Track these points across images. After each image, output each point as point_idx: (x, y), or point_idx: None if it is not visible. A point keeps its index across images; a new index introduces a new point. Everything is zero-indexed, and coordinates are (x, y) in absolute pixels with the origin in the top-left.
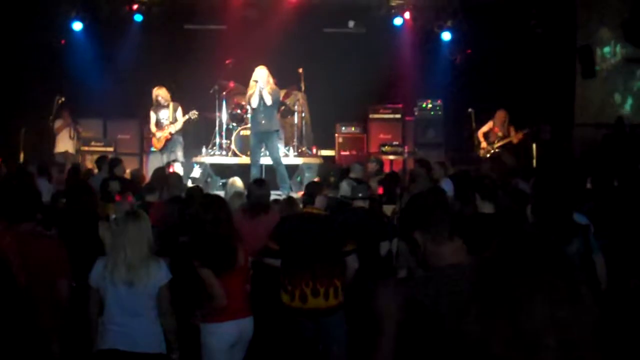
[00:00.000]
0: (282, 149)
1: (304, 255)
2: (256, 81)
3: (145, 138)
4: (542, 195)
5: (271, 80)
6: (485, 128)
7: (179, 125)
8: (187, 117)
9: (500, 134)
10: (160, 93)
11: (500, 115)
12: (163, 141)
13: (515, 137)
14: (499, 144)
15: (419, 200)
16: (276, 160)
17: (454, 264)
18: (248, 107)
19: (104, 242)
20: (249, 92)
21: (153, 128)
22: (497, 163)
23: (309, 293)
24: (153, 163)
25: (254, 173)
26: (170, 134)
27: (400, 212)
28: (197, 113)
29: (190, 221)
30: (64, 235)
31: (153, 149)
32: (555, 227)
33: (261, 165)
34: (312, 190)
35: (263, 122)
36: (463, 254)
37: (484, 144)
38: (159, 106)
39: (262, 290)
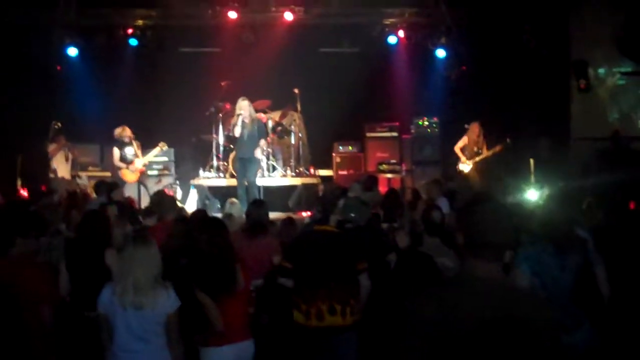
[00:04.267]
0: (279, 169)
1: (320, 273)
2: (239, 114)
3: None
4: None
5: (252, 111)
6: (460, 143)
7: (149, 158)
8: (157, 149)
9: (475, 148)
10: (124, 132)
11: (474, 129)
12: (138, 174)
13: (489, 152)
14: (475, 160)
15: (479, 213)
16: (251, 183)
17: (484, 279)
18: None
19: (111, 269)
20: (232, 122)
21: (120, 163)
22: (464, 182)
23: (325, 311)
24: (128, 192)
25: (240, 193)
26: (145, 165)
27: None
28: (165, 144)
29: (190, 244)
30: (73, 263)
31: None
32: (557, 240)
33: (259, 187)
34: (325, 208)
35: (245, 149)
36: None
37: (463, 159)
38: (123, 143)
39: (272, 312)
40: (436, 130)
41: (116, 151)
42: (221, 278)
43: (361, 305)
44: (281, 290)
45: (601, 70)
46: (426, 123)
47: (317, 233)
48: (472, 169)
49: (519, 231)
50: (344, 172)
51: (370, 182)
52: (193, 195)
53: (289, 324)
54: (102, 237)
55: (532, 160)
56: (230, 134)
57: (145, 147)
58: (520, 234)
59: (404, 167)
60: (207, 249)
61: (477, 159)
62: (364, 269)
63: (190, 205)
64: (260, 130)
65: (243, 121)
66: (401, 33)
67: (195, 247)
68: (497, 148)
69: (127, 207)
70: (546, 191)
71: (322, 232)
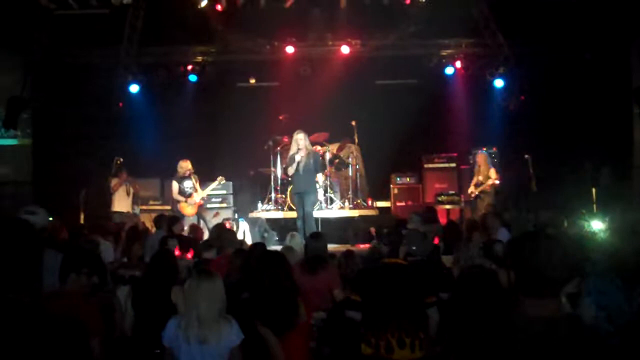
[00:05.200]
0: (337, 202)
1: (390, 305)
2: (297, 151)
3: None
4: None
5: (308, 143)
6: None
7: (207, 191)
8: (216, 182)
9: (481, 178)
10: (185, 165)
11: (479, 159)
12: (196, 208)
13: (490, 182)
14: (477, 190)
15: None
16: (309, 215)
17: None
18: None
19: (177, 306)
20: (288, 155)
21: (178, 197)
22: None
23: (395, 344)
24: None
25: (300, 225)
26: (203, 199)
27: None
28: (224, 178)
29: (250, 278)
30: (140, 299)
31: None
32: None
33: (317, 219)
34: (393, 240)
35: (302, 183)
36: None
37: (472, 189)
38: (182, 177)
39: (335, 345)
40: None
41: (175, 184)
42: (283, 313)
43: (430, 340)
44: (346, 323)
45: None
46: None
47: (386, 266)
48: (476, 199)
49: (585, 262)
50: (402, 204)
51: (429, 213)
52: (244, 227)
53: (354, 357)
54: (169, 275)
55: (594, 190)
56: (286, 167)
57: (204, 181)
58: (586, 266)
59: (462, 198)
60: (269, 284)
61: (478, 190)
62: (433, 303)
63: (249, 239)
64: (316, 163)
65: (300, 154)
66: (458, 64)
67: (257, 281)
68: (491, 181)
69: (189, 241)
70: (611, 221)
71: (392, 265)
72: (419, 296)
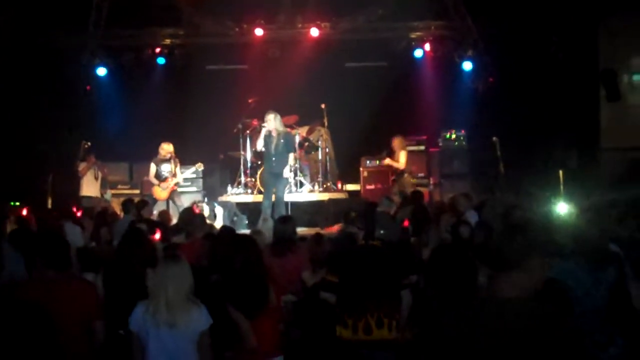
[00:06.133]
0: (307, 185)
1: (369, 287)
2: (263, 126)
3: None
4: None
5: (279, 124)
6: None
7: (184, 176)
8: (194, 168)
9: (387, 161)
10: (167, 148)
11: (394, 143)
12: (169, 192)
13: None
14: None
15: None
16: (279, 199)
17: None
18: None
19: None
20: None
21: (154, 180)
22: None
23: (373, 324)
24: (158, 209)
25: (266, 205)
26: (177, 184)
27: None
28: (202, 165)
29: (220, 262)
30: (110, 281)
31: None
32: (590, 255)
33: (287, 203)
34: (369, 224)
35: (274, 163)
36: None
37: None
38: (162, 160)
39: (305, 327)
40: (464, 143)
41: (152, 167)
42: (255, 296)
43: (404, 321)
44: (319, 306)
45: (637, 77)
46: (454, 136)
47: (363, 247)
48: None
49: (551, 245)
50: (372, 187)
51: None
52: (219, 212)
53: (326, 339)
54: (143, 257)
55: (561, 172)
56: (257, 149)
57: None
58: (552, 248)
59: (432, 181)
60: (240, 268)
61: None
62: (408, 285)
63: (218, 222)
64: (288, 144)
65: (270, 134)
66: (427, 46)
67: (228, 265)
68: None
69: (158, 224)
70: (577, 204)
71: (369, 247)
72: (396, 277)
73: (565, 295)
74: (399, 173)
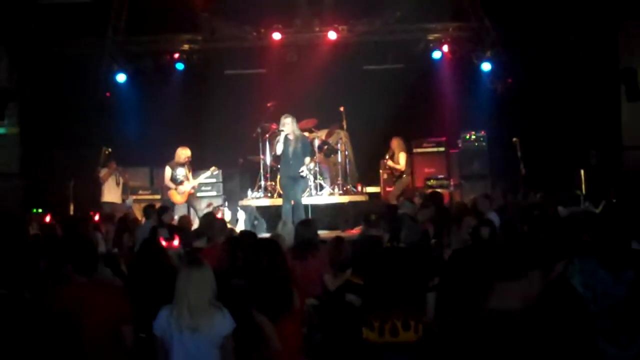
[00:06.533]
0: (327, 188)
1: (395, 289)
2: (281, 130)
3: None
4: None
5: (296, 127)
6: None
7: (199, 180)
8: (209, 172)
9: (390, 163)
10: (184, 152)
11: (393, 144)
12: (186, 196)
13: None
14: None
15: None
16: (298, 202)
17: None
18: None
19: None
20: (275, 139)
21: (169, 183)
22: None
23: (400, 326)
24: (178, 214)
25: (287, 208)
26: (194, 188)
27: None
28: (216, 168)
29: (244, 266)
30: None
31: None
32: (611, 253)
33: (307, 206)
34: (394, 227)
35: (291, 167)
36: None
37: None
38: (177, 164)
39: (328, 330)
40: (484, 144)
41: (168, 170)
42: (279, 300)
43: (429, 323)
44: (343, 309)
45: None
46: (473, 137)
47: (389, 250)
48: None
49: (574, 244)
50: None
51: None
52: (241, 216)
53: (351, 341)
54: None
55: (582, 171)
56: (276, 153)
57: (193, 170)
58: (575, 247)
59: (452, 182)
60: (265, 271)
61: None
62: (433, 287)
63: (239, 227)
64: (305, 148)
65: (287, 138)
66: (445, 48)
67: (251, 269)
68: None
69: (179, 229)
70: (599, 203)
71: (395, 250)
72: (422, 280)
73: (578, 301)
74: (399, 174)
